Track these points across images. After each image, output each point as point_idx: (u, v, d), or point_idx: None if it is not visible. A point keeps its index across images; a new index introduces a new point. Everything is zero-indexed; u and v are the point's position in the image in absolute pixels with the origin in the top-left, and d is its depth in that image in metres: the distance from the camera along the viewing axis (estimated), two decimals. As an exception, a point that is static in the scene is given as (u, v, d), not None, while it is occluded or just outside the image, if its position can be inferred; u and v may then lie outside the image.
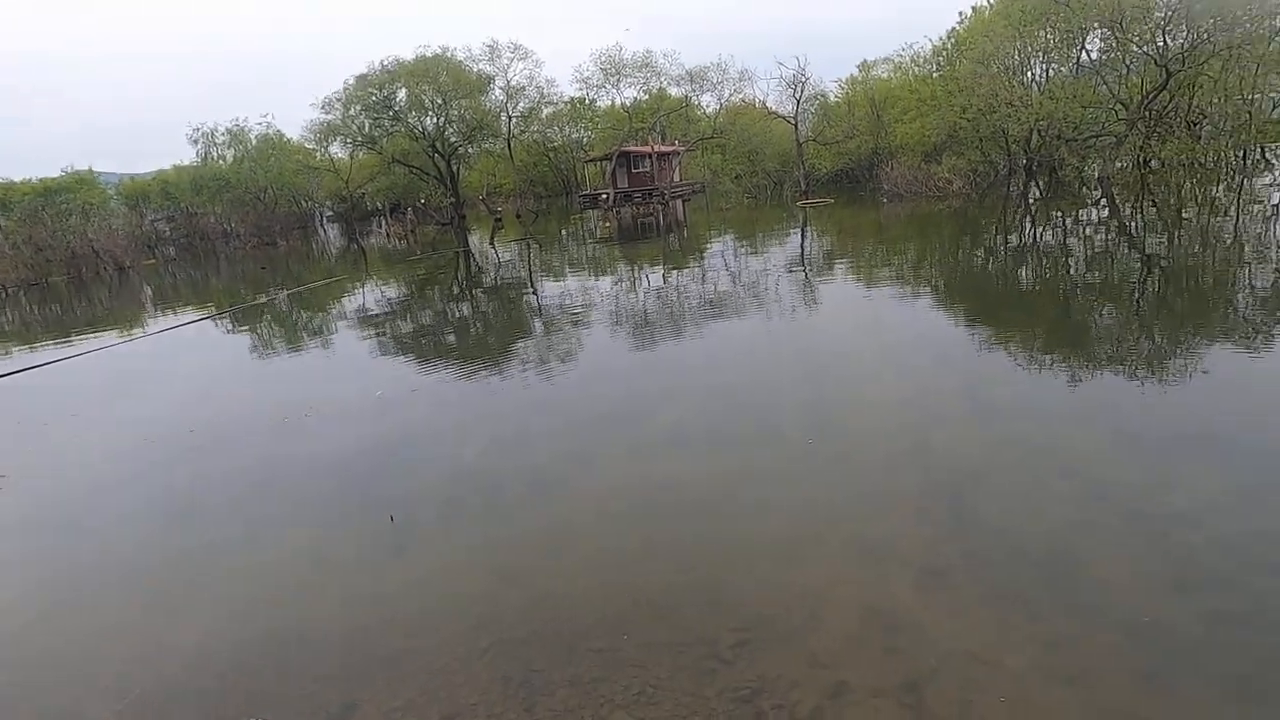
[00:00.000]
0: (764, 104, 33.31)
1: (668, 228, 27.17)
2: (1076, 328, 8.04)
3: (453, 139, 42.05)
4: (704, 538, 4.09)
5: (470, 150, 44.86)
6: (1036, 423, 5.27)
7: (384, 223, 41.28)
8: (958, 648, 2.91)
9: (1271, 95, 24.92)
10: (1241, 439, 4.63)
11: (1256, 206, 15.66)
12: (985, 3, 27.03)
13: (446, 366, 8.75)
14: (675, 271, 15.23)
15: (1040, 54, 23.96)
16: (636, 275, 15.31)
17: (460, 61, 40.91)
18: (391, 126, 40.61)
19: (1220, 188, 19.45)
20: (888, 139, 27.93)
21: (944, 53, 27.18)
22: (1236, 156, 23.28)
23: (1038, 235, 15.31)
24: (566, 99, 47.84)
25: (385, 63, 39.59)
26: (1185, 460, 4.44)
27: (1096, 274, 10.89)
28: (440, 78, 38.93)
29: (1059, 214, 17.99)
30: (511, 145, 47.69)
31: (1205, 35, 20.16)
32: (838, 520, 4.08)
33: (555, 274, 16.78)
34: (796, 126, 31.20)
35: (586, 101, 46.43)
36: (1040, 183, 23.72)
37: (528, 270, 18.05)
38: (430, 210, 42.39)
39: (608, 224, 30.81)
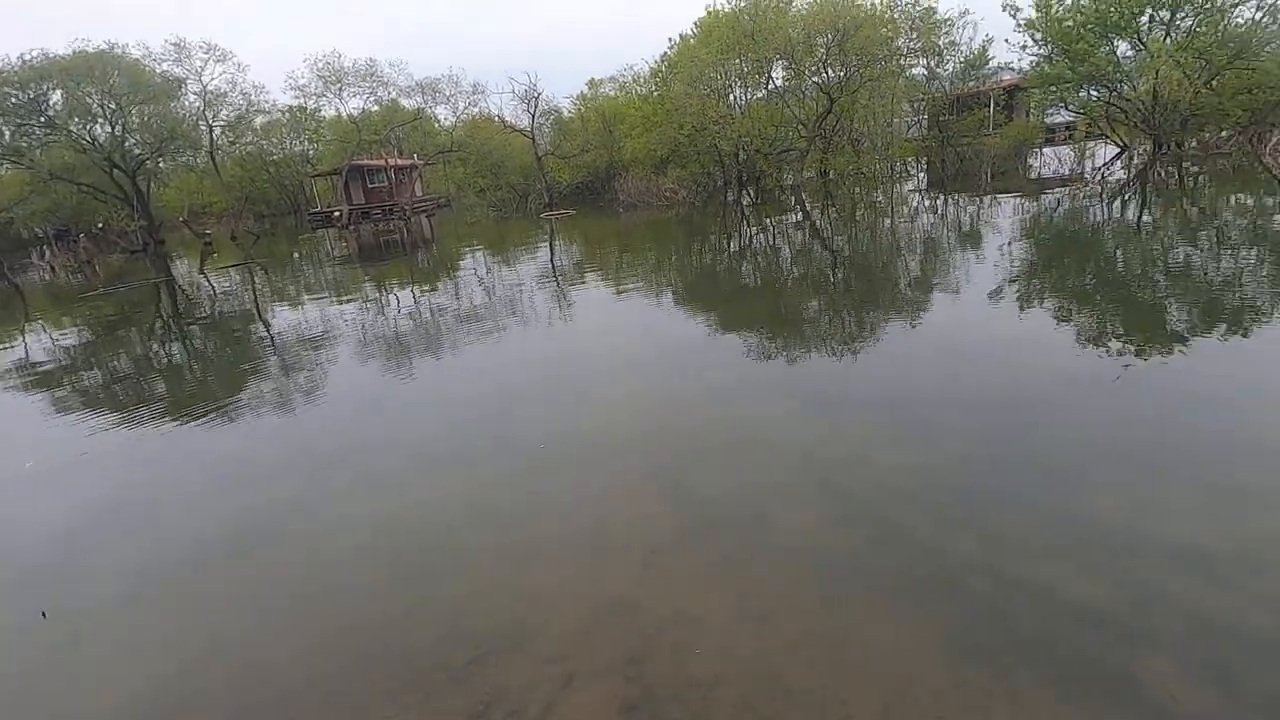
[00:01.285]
0: (501, 118, 33.45)
1: (414, 244, 26.01)
2: (783, 312, 9.30)
3: (136, 151, 35.57)
4: (437, 566, 3.93)
5: (162, 165, 38.34)
6: (747, 399, 5.98)
7: (47, 253, 33.39)
8: (673, 615, 3.17)
9: (906, 120, 31.43)
10: (897, 396, 5.72)
11: (904, 207, 19.72)
12: (691, 31, 30.20)
13: (137, 420, 7.33)
14: (427, 289, 14.58)
15: (738, 79, 27.42)
16: (384, 296, 14.35)
17: (137, 60, 34.81)
18: (45, 135, 33.11)
19: (880, 193, 24.01)
20: (620, 153, 29.80)
21: (660, 74, 29.84)
22: (887, 167, 28.92)
23: (751, 236, 17.45)
24: (284, 107, 43.31)
25: (28, 58, 32.16)
26: (855, 419, 5.35)
27: (798, 267, 12.72)
28: (110, 78, 32.70)
29: (767, 218, 20.69)
30: (217, 159, 41.82)
31: (855, 69, 24.74)
32: (569, 519, 4.20)
33: (288, 301, 15.05)
34: (534, 140, 31.85)
35: (307, 111, 42.47)
36: (750, 191, 27.11)
37: (252, 299, 15.94)
38: (114, 236, 35.37)
39: (345, 243, 28.53)
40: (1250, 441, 4.32)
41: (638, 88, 31.86)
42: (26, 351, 12.11)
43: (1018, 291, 8.81)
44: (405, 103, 40.94)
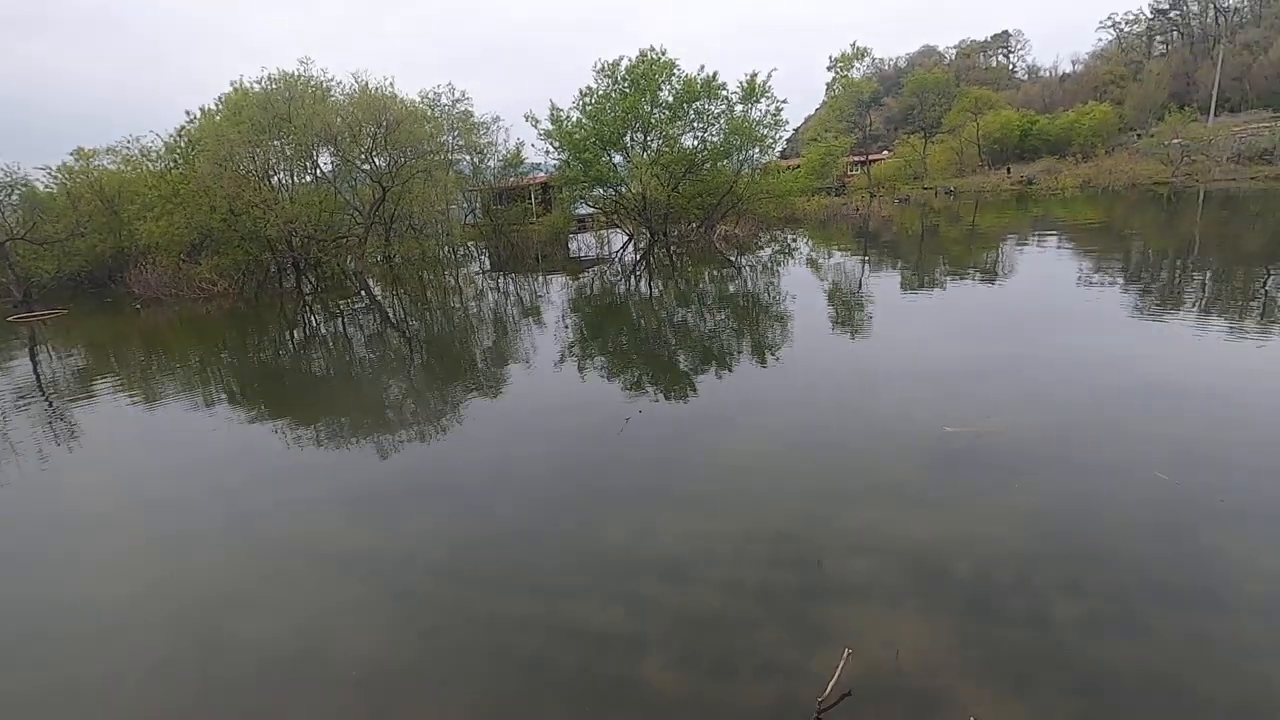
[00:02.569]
0: (-75, 190, 24.40)
1: None
2: (336, 405, 8.81)
3: None
4: None
5: None
6: (295, 515, 5.47)
7: None
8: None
9: (462, 208, 33.70)
10: (458, 477, 5.94)
11: (471, 287, 21.01)
12: (214, 106, 27.13)
13: None
14: None
15: (281, 161, 25.63)
16: None
17: None
18: None
19: (449, 275, 25.03)
20: (132, 238, 24.68)
21: (179, 150, 25.91)
22: (450, 252, 30.44)
23: (316, 326, 16.27)
24: None
25: None
26: (412, 511, 5.37)
27: (372, 353, 12.29)
28: None
29: (332, 305, 19.57)
30: None
31: (404, 159, 25.61)
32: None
33: None
34: (-9, 221, 24.11)
35: None
36: (310, 278, 25.35)
37: None
38: None
39: None
40: (710, 460, 5.78)
41: (149, 163, 26.95)
42: None
43: (577, 359, 10.16)
44: None
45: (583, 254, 29.19)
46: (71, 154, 29.29)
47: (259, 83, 25.96)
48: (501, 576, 4.16)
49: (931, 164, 52.56)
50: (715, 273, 19.34)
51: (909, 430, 5.95)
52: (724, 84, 26.97)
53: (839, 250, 22.77)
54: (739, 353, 9.53)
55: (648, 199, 27.16)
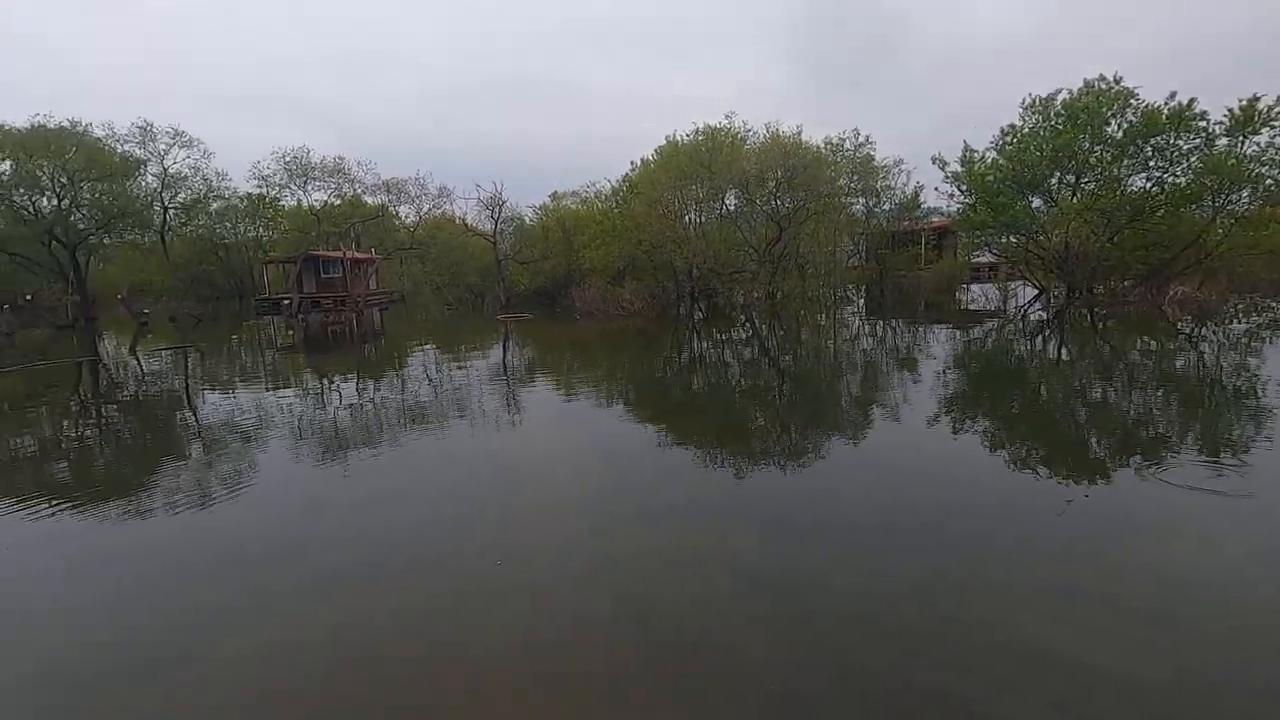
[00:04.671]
0: (464, 221, 34.41)
1: (363, 337, 25.78)
2: (734, 428, 9.40)
3: (81, 226, 34.80)
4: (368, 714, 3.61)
5: (106, 241, 37.52)
6: (703, 521, 5.91)
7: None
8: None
9: (847, 250, 33.76)
10: (847, 519, 5.74)
11: (846, 330, 20.77)
12: (651, 157, 32.37)
13: (51, 510, 6.71)
14: (371, 382, 14.35)
15: (694, 203, 29.23)
16: (326, 387, 13.98)
17: (99, 139, 34.77)
18: (-15, 204, 32.13)
19: (822, 316, 25.26)
20: (578, 261, 30.87)
21: (621, 193, 31.60)
22: (830, 292, 30.65)
23: (702, 349, 17.94)
24: (243, 195, 43.51)
25: (-18, 129, 31.76)
26: (810, 543, 5.33)
27: (747, 381, 13.06)
28: (68, 154, 32.44)
29: (718, 333, 21.38)
30: (166, 239, 41.20)
31: (802, 201, 26.72)
32: (530, 647, 3.96)
33: (221, 386, 14.44)
34: (496, 244, 32.70)
35: (267, 200, 42.73)
36: (703, 306, 28.17)
37: (183, 383, 15.23)
38: (42, 309, 33.81)
39: (291, 331, 28.05)
40: (1140, 576, 4.49)
41: (599, 202, 33.56)
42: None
43: (954, 418, 9.20)
44: (369, 199, 41.74)
45: (976, 305, 26.42)
46: (550, 195, 38.10)
47: (689, 135, 30.01)
48: (908, 638, 3.81)
49: None
50: (1156, 343, 15.51)
51: None
52: (1204, 112, 21.67)
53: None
54: (1183, 446, 7.34)
55: (1071, 248, 23.28)
